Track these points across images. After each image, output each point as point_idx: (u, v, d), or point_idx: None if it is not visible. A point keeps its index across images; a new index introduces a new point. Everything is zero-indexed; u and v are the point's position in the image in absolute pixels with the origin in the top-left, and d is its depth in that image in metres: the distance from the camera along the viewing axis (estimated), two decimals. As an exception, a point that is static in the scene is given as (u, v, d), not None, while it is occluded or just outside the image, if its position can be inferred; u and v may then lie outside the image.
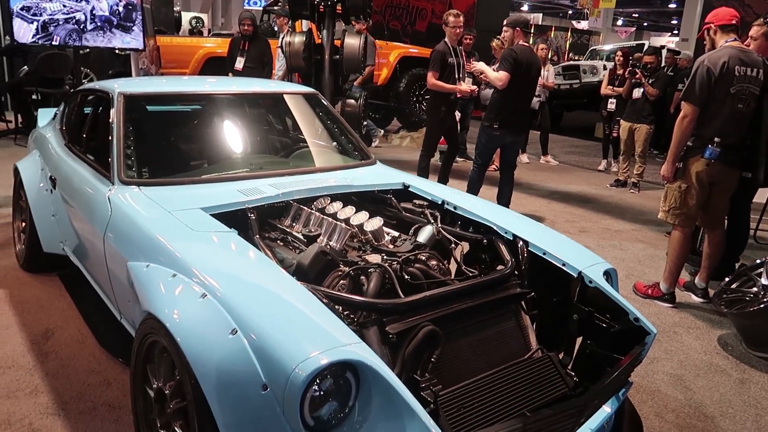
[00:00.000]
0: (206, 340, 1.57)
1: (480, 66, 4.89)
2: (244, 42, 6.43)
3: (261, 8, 14.42)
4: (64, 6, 5.18)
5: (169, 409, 1.77)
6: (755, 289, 3.10)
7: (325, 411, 1.46)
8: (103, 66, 8.60)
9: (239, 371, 1.48)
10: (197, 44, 7.94)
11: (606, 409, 1.94)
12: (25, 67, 7.91)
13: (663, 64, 8.50)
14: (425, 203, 2.69)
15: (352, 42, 6.15)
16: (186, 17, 16.60)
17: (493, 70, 4.74)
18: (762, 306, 2.93)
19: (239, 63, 6.42)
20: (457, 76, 5.17)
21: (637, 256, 4.48)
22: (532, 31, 4.81)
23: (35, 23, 5.12)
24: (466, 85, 5.21)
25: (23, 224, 3.49)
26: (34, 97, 7.25)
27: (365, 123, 6.72)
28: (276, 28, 8.77)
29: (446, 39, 5.20)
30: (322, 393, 1.46)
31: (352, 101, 6.45)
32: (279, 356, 1.44)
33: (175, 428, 1.74)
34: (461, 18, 5.22)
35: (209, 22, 21.35)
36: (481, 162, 4.91)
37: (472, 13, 11.85)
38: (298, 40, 6.06)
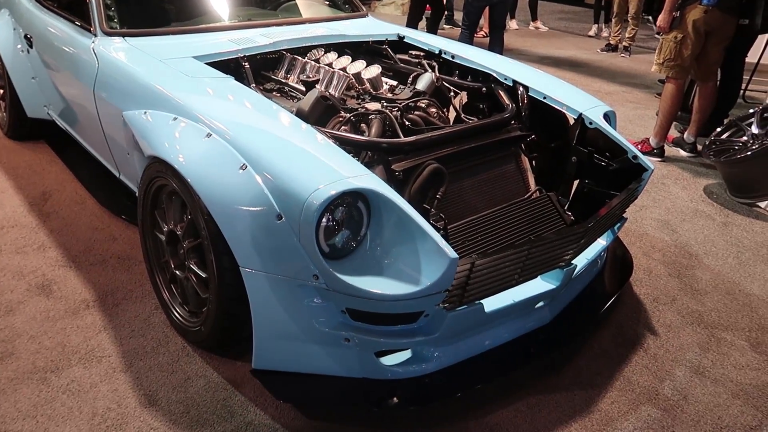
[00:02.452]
0: (217, 177, 1.58)
1: None
2: None
3: None
4: None
5: (182, 250, 1.82)
6: (744, 138, 3.15)
7: (339, 239, 1.51)
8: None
9: (252, 204, 1.50)
10: None
11: (601, 242, 2.05)
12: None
13: None
14: (422, 53, 2.61)
15: None
16: None
17: None
18: (749, 153, 3.00)
19: None
20: None
21: (628, 116, 4.49)
22: None
23: None
24: None
25: (1, 91, 3.35)
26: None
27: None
28: None
29: None
30: (335, 222, 1.50)
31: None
32: (292, 188, 1.45)
33: (191, 266, 1.80)
34: None
35: None
36: (469, 22, 4.76)
37: None
38: None
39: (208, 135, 1.66)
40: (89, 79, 2.26)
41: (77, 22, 2.49)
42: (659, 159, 3.61)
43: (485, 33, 6.46)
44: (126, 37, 2.31)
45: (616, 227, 2.11)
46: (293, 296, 1.52)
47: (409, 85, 2.30)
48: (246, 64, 2.22)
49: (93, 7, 2.36)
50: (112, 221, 2.56)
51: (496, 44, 4.77)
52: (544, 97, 2.23)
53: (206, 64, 2.12)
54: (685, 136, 3.75)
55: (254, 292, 1.55)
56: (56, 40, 2.63)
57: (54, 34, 2.65)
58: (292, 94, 2.25)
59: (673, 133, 3.99)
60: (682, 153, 3.74)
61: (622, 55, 6.62)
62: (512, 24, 7.94)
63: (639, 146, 3.69)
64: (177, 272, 1.89)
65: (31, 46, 2.89)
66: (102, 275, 2.19)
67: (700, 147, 3.68)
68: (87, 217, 2.60)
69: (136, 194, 2.07)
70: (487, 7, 4.85)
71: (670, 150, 3.75)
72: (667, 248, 2.63)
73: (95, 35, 2.33)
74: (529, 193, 2.10)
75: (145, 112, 1.89)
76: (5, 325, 1.91)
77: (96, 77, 2.23)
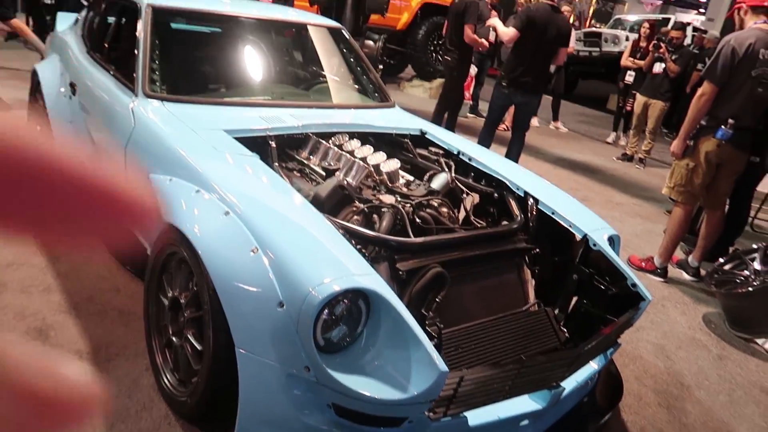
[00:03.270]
0: (227, 255, 1.64)
1: (493, 21, 4.82)
2: None
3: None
4: None
5: (182, 318, 1.85)
6: (746, 272, 3.20)
7: (335, 334, 1.55)
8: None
9: (258, 287, 1.55)
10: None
11: (593, 365, 2.05)
12: (39, -32, 7.68)
13: (689, 41, 8.37)
14: (441, 152, 2.72)
15: (379, -19, 6.04)
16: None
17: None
18: (750, 289, 3.03)
19: None
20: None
21: (635, 230, 4.56)
22: None
23: None
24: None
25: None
26: (47, 1, 7.08)
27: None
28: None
29: None
30: (334, 317, 1.54)
31: (371, 43, 6.37)
32: (297, 277, 1.51)
33: (188, 336, 1.83)
34: None
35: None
36: (490, 119, 4.88)
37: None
38: (324, -28, 5.93)
39: (226, 213, 1.73)
40: (124, 135, 2.38)
41: (122, 80, 2.64)
42: (662, 279, 3.65)
43: (507, 126, 6.68)
44: (164, 102, 2.44)
45: (609, 352, 2.12)
46: (282, 384, 1.54)
47: (424, 182, 2.40)
48: (273, 142, 2.33)
49: (139, 69, 2.51)
50: (119, 272, 2.61)
51: (516, 143, 4.90)
52: (553, 213, 2.30)
53: (235, 138, 2.23)
54: (689, 259, 3.80)
55: (245, 373, 1.58)
56: (99, 93, 2.77)
57: (98, 86, 2.80)
58: (312, 176, 2.34)
59: (679, 254, 4.05)
60: (685, 276, 3.77)
61: (637, 166, 6.78)
62: (533, 121, 8.19)
63: (643, 263, 3.74)
64: (174, 338, 1.92)
65: (74, 93, 3.04)
66: (100, 326, 2.23)
67: (703, 272, 3.72)
68: (95, 265, 2.65)
69: (147, 251, 2.13)
70: (513, 106, 5.04)
71: (673, 271, 3.80)
72: (660, 375, 2.62)
73: (136, 95, 2.46)
74: (528, 306, 2.13)
75: (171, 179, 1.98)
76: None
77: (130, 135, 2.34)
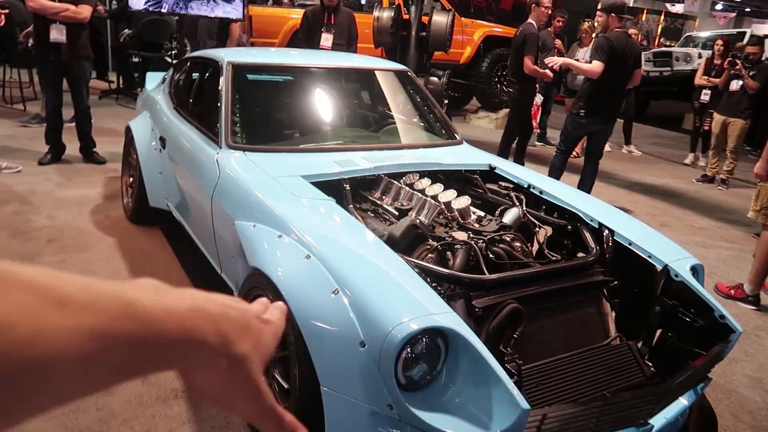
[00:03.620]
0: (310, 297, 1.73)
1: (566, 61, 4.81)
2: (328, 15, 5.47)
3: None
4: (175, -24, 5.48)
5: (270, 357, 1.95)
6: None
7: (416, 372, 1.59)
8: (193, 32, 8.95)
9: (340, 328, 1.62)
10: (286, 15, 8.15)
11: (683, 401, 1.98)
12: (127, 30, 8.38)
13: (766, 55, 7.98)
14: (511, 186, 2.74)
15: (440, 19, 6.18)
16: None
17: (582, 57, 4.65)
18: None
19: (326, 40, 5.46)
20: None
21: (721, 256, 4.35)
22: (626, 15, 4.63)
23: (147, -9, 5.45)
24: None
25: (131, 179, 3.79)
26: (134, 59, 7.70)
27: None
28: (363, 1, 8.81)
29: (533, 20, 5.14)
30: (414, 355, 1.58)
31: (435, 79, 6.49)
32: (377, 318, 1.56)
33: (275, 374, 1.92)
34: None
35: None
36: (564, 149, 4.86)
37: (562, -7, 11.47)
38: (386, 15, 6.14)
39: (308, 257, 1.82)
40: (210, 185, 2.55)
41: (207, 133, 2.84)
42: (754, 307, 3.45)
43: (577, 153, 6.59)
44: (246, 152, 2.60)
45: (699, 387, 2.04)
46: (366, 422, 1.59)
47: (496, 217, 2.42)
48: (347, 185, 2.43)
49: (222, 123, 2.70)
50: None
51: (589, 172, 4.84)
52: (630, 243, 2.26)
53: (312, 183, 2.35)
54: (783, 285, 3.59)
55: (330, 410, 1.64)
56: (186, 145, 3.00)
57: (185, 139, 3.02)
58: (385, 216, 2.42)
59: (772, 280, 3.82)
60: (781, 303, 3.56)
61: (719, 187, 6.48)
62: (605, 146, 8.02)
63: (732, 291, 3.56)
64: (261, 377, 2.01)
65: (163, 147, 3.29)
66: (192, 366, 2.36)
67: (800, 299, 3.50)
68: (185, 306, 2.82)
69: (234, 293, 2.26)
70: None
71: (766, 298, 3.58)
72: (758, 410, 2.47)
73: (220, 147, 2.65)
74: (609, 340, 2.09)
75: (254, 225, 2.11)
76: (104, 404, 2.08)
77: (216, 185, 2.51)
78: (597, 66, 4.37)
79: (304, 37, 5.59)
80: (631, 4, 23.75)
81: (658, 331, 2.20)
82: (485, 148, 5.58)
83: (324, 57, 3.54)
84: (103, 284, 0.37)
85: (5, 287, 0.32)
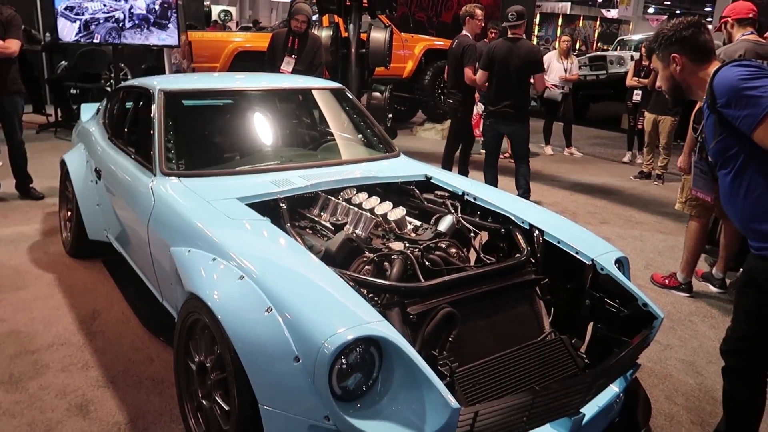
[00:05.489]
0: (244, 317, 1.74)
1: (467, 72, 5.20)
2: (293, 39, 5.21)
3: (289, 1, 14.54)
4: (105, 5, 5.43)
5: (209, 381, 1.95)
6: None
7: (351, 382, 1.62)
8: (136, 61, 8.87)
9: (274, 345, 1.64)
10: (227, 39, 8.13)
11: (614, 388, 2.07)
12: (64, 62, 8.22)
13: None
14: (446, 194, 2.82)
15: (378, 36, 6.29)
16: (215, 11, 16.87)
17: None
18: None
19: (287, 64, 5.21)
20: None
21: (657, 247, 4.54)
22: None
23: (78, 22, 5.39)
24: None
25: (69, 213, 3.72)
26: (72, 91, 7.55)
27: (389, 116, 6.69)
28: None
29: (467, 31, 5.30)
30: (348, 365, 1.61)
31: (378, 94, 6.60)
32: (309, 332, 1.60)
33: (216, 397, 1.92)
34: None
35: (237, 15, 21.65)
36: (487, 151, 5.31)
37: (498, 4, 11.82)
38: (326, 34, 6.22)
39: (241, 277, 1.84)
40: (145, 213, 2.54)
41: (141, 161, 2.83)
42: (687, 294, 3.62)
43: (508, 155, 6.78)
44: (181, 178, 2.60)
45: (629, 374, 2.13)
46: (305, 435, 1.61)
47: (431, 225, 2.49)
48: (283, 204, 2.46)
49: (155, 150, 2.70)
50: (152, 342, 2.74)
51: (519, 173, 5.03)
52: (558, 242, 2.36)
53: (247, 204, 2.36)
54: (713, 271, 3.77)
55: (270, 428, 1.66)
56: (122, 175, 2.97)
57: (120, 169, 3.00)
58: (323, 232, 2.45)
59: (704, 266, 4.02)
60: (712, 288, 3.74)
61: (656, 183, 6.76)
62: (547, 149, 8.28)
63: (666, 281, 3.73)
64: (204, 401, 2.01)
65: (99, 178, 3.25)
66: (136, 397, 2.33)
67: (729, 282, 3.69)
68: (129, 337, 2.78)
69: (175, 319, 2.25)
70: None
71: (699, 285, 3.76)
72: (691, 392, 2.60)
73: (155, 175, 2.64)
74: (543, 336, 2.17)
75: (189, 250, 2.11)
76: (43, 444, 2.04)
77: (151, 212, 2.50)
78: (479, 74, 4.99)
79: (268, 60, 5.42)
80: (567, 12, 24.63)
81: (591, 325, 2.29)
82: (433, 158, 5.71)
83: (259, 79, 3.57)
84: None
85: None
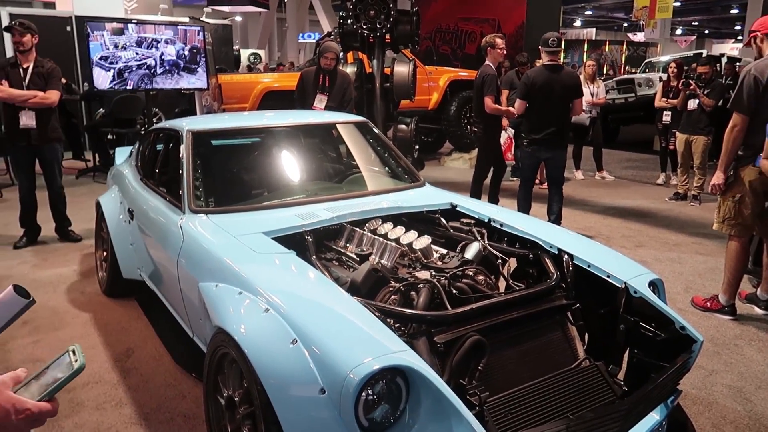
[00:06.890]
0: (270, 350, 1.74)
1: (497, 108, 5.20)
2: (324, 77, 5.24)
3: (315, 41, 14.94)
4: (137, 54, 5.66)
5: (238, 415, 1.94)
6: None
7: (378, 413, 1.59)
8: (170, 105, 9.18)
9: (300, 377, 1.63)
10: (255, 80, 8.37)
11: (654, 416, 1.98)
12: (101, 109, 8.55)
13: (722, 73, 8.27)
14: (472, 221, 2.80)
15: (402, 69, 6.39)
16: (244, 54, 17.41)
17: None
18: (826, 315, 2.85)
19: (320, 101, 5.21)
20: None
21: (697, 270, 4.40)
22: (562, 47, 4.97)
23: (112, 71, 5.62)
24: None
25: (104, 253, 3.81)
26: (109, 137, 7.83)
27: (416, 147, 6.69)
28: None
29: (490, 61, 5.33)
30: (374, 396, 1.59)
31: (404, 126, 6.65)
32: (335, 363, 1.58)
33: (244, 431, 1.91)
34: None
35: (266, 57, 22.30)
36: (522, 178, 5.15)
37: (521, 33, 11.90)
38: (350, 70, 6.33)
39: (266, 310, 1.85)
40: (175, 250, 2.58)
41: (171, 200, 2.89)
42: (731, 317, 3.48)
43: (540, 180, 6.70)
44: (209, 214, 2.65)
45: (670, 400, 2.04)
46: (333, 469, 1.58)
47: (457, 253, 2.46)
48: (309, 237, 2.47)
49: (184, 188, 2.76)
50: (184, 378, 2.75)
51: (553, 199, 4.95)
52: (589, 266, 2.30)
53: (273, 238, 2.39)
54: (758, 292, 3.62)
55: (298, 462, 1.63)
56: (153, 215, 3.04)
57: (151, 209, 3.07)
58: (349, 263, 2.45)
59: (748, 288, 3.86)
60: (757, 311, 3.58)
61: (692, 204, 6.59)
62: (578, 174, 8.18)
63: (708, 303, 3.59)
64: (233, 437, 2.00)
65: (132, 218, 3.34)
66: (168, 434, 2.34)
67: (775, 304, 3.54)
68: (162, 374, 2.81)
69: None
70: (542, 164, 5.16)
71: (743, 307, 3.61)
72: (740, 419, 2.47)
73: (183, 213, 2.69)
74: (577, 363, 2.10)
75: (216, 285, 2.14)
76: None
77: (180, 249, 2.54)
78: (518, 104, 4.88)
79: (298, 98, 5.39)
80: (593, 38, 24.61)
81: (627, 351, 2.22)
82: (461, 188, 5.68)
83: (285, 116, 3.64)
84: None
85: None
